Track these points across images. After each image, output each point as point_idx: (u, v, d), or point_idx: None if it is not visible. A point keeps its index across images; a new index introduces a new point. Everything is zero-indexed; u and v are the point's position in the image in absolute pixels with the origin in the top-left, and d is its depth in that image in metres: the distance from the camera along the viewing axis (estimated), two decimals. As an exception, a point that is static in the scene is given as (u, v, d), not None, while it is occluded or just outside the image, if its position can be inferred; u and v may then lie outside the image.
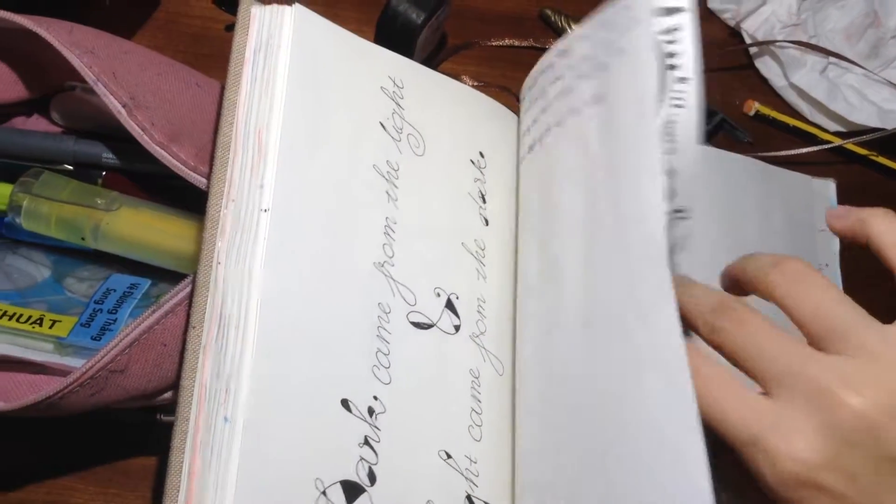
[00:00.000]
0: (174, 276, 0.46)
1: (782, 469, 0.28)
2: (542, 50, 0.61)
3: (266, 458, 0.35)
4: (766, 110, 0.62)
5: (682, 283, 0.34)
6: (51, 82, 0.50)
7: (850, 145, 0.61)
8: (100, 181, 0.48)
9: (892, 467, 0.28)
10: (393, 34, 0.51)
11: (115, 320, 0.44)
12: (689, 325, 0.33)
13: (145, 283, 0.47)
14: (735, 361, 0.31)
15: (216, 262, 0.38)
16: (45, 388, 0.39)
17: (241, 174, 0.39)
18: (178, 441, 0.35)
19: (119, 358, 0.39)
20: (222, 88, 0.49)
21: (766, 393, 0.30)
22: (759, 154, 0.59)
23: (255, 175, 0.39)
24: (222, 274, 0.37)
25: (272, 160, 0.39)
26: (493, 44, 0.60)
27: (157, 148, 0.43)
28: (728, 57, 0.63)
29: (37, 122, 0.52)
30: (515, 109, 0.51)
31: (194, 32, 0.59)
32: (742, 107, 0.62)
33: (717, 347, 0.32)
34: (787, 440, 0.28)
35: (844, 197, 0.60)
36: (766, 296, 0.32)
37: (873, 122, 0.59)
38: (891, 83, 0.61)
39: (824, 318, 0.30)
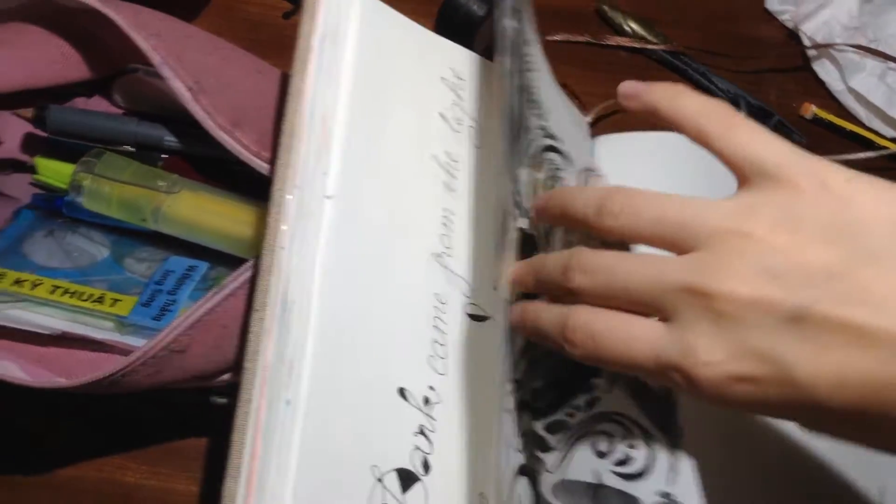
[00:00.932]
0: (232, 259, 0.46)
1: (699, 380, 0.29)
2: (598, 46, 0.61)
3: (326, 442, 0.36)
4: (823, 114, 0.61)
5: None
6: (114, 64, 0.51)
7: (908, 152, 0.61)
8: (160, 164, 0.49)
9: (790, 326, 0.28)
10: (454, 26, 0.51)
11: (174, 301, 0.44)
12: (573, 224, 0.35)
13: (203, 266, 0.47)
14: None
15: (279, 247, 0.38)
16: (105, 366, 0.39)
17: (305, 161, 0.39)
18: (241, 421, 0.36)
19: (181, 338, 0.40)
20: (283, 76, 0.49)
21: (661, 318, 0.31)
22: (815, 157, 0.59)
23: (320, 162, 0.39)
24: (285, 259, 0.38)
25: (337, 148, 0.39)
26: (549, 38, 0.60)
27: (221, 133, 0.43)
28: (785, 59, 0.63)
29: (97, 103, 0.53)
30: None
31: (253, 19, 0.59)
32: (799, 109, 0.62)
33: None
34: (690, 355, 0.29)
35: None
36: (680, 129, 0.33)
37: (932, 129, 0.59)
38: (950, 89, 0.61)
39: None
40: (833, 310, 0.27)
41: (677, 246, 0.31)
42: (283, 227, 0.38)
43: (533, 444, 0.41)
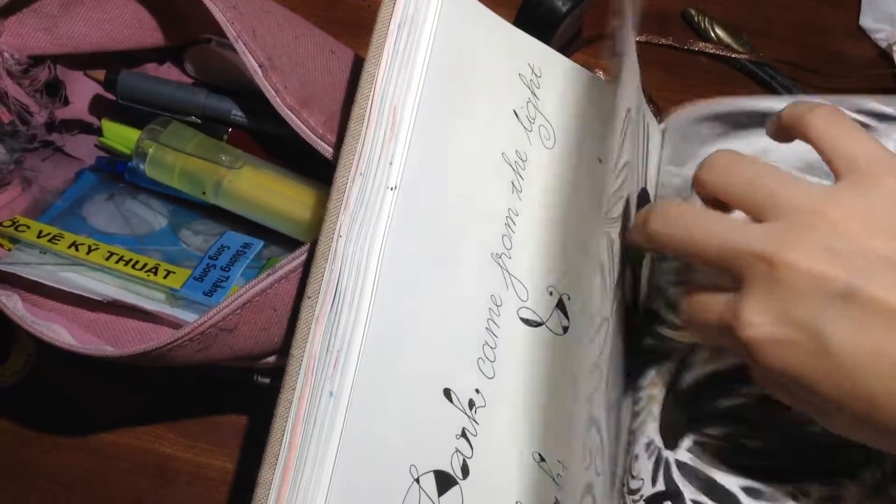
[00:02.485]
0: (287, 240, 0.46)
1: (743, 339, 0.32)
2: (681, 50, 0.59)
3: (366, 438, 0.35)
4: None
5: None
6: (188, 33, 0.51)
7: None
8: (225, 137, 0.49)
9: (837, 302, 0.30)
10: (535, 20, 0.50)
11: (227, 278, 0.44)
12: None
13: (258, 244, 0.47)
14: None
15: (337, 234, 0.37)
16: (154, 337, 0.39)
17: (371, 149, 0.38)
18: (283, 409, 0.35)
19: (230, 317, 0.40)
20: (355, 58, 0.49)
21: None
22: None
23: (386, 151, 0.38)
24: (342, 247, 0.37)
25: (404, 138, 0.38)
26: (631, 39, 0.58)
27: (288, 111, 0.43)
28: (875, 79, 0.61)
29: (168, 71, 0.53)
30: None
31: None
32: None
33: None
34: (741, 314, 0.32)
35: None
36: (802, 135, 0.35)
37: None
38: None
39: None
40: (882, 294, 0.29)
41: (760, 213, 0.33)
42: (343, 215, 0.38)
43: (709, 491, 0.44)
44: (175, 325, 0.43)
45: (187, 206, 0.49)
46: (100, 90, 0.51)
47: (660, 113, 0.56)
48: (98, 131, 0.51)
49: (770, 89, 0.59)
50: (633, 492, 0.45)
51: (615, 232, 0.43)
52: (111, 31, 0.49)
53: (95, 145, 0.52)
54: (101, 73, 0.50)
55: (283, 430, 0.35)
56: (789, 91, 0.58)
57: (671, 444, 0.45)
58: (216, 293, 0.43)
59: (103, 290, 0.43)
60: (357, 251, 0.37)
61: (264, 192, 0.46)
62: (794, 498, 0.44)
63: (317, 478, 0.34)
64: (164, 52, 0.53)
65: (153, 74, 0.53)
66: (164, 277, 0.43)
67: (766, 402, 0.44)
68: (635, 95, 0.46)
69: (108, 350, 0.40)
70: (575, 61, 0.55)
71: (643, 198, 0.49)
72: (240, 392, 0.48)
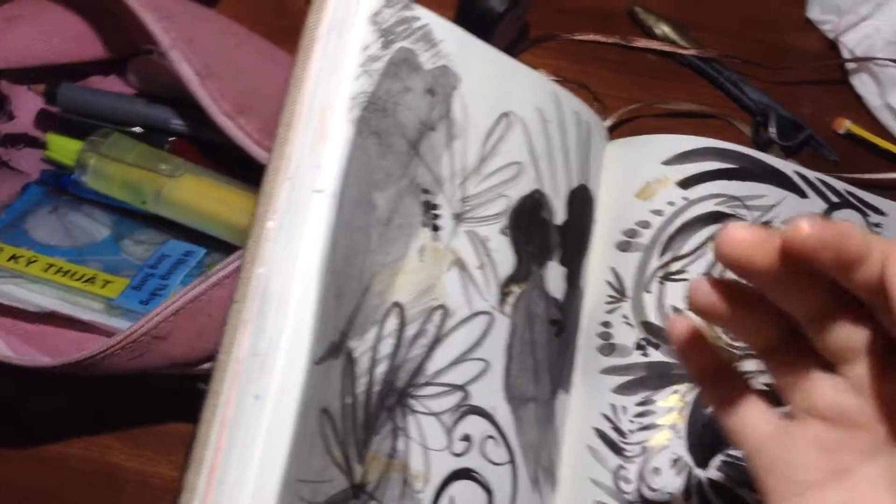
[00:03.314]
0: (230, 247, 0.46)
1: None
2: (628, 48, 0.59)
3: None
4: (857, 130, 0.59)
5: None
6: (130, 44, 0.51)
7: (947, 174, 0.58)
8: (167, 147, 0.49)
9: None
10: (472, 20, 0.50)
11: (165, 286, 0.44)
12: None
13: (200, 252, 0.47)
14: None
15: (265, 239, 0.37)
16: (88, 347, 0.39)
17: (300, 153, 0.38)
18: (208, 414, 0.36)
19: (162, 325, 0.40)
20: (295, 64, 0.49)
21: None
22: (847, 176, 0.56)
23: (314, 155, 0.38)
24: (270, 251, 0.37)
25: (332, 141, 0.38)
26: (576, 38, 0.58)
27: (224, 118, 0.43)
28: (823, 71, 0.61)
29: (113, 83, 0.53)
30: (592, 107, 0.50)
31: (275, 4, 0.59)
32: (832, 124, 0.60)
33: None
34: None
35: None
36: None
37: (971, 151, 0.56)
38: None
39: None
40: None
41: None
42: (270, 219, 0.38)
43: None
44: (111, 334, 0.43)
45: (132, 217, 0.49)
46: (45, 104, 0.51)
47: (605, 111, 0.56)
48: (44, 145, 0.51)
49: (716, 85, 0.59)
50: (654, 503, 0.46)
51: (489, 229, 0.44)
52: (54, 44, 0.50)
53: (41, 159, 0.52)
54: (42, 87, 0.50)
55: (209, 435, 0.35)
56: (736, 86, 0.58)
57: (702, 462, 0.46)
58: (153, 301, 0.43)
59: (41, 302, 0.43)
60: (284, 255, 0.37)
61: (204, 199, 0.46)
62: None
63: (241, 481, 0.34)
64: (109, 64, 0.53)
65: (98, 87, 0.53)
66: (102, 287, 0.43)
67: None
68: (524, 99, 0.47)
69: (45, 361, 0.40)
70: (521, 62, 0.56)
71: (578, 194, 0.49)
72: (184, 400, 0.47)
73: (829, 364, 0.29)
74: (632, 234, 0.51)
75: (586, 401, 0.49)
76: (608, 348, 0.49)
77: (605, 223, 0.52)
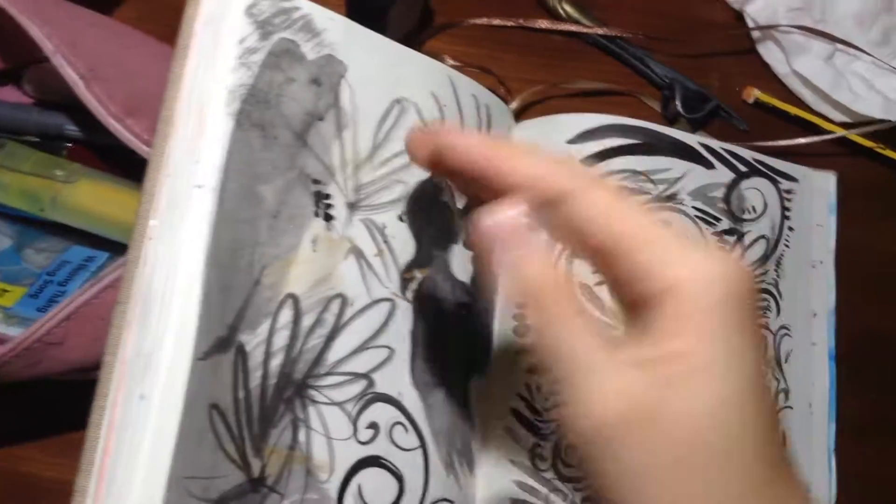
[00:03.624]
0: (130, 250, 0.46)
1: None
2: (532, 31, 0.60)
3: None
4: (766, 98, 0.59)
5: None
6: (22, 54, 0.50)
7: (853, 136, 0.58)
8: (64, 153, 0.48)
9: None
10: (363, 10, 0.50)
11: (63, 292, 0.44)
12: None
13: (102, 257, 0.47)
14: None
15: (147, 237, 0.37)
16: (-15, 357, 0.39)
17: (179, 149, 0.38)
18: (96, 417, 0.35)
19: (55, 331, 0.39)
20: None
21: None
22: (757, 144, 0.57)
23: (193, 150, 0.38)
24: (152, 250, 0.37)
25: (211, 135, 0.38)
26: (479, 23, 0.58)
27: (112, 121, 0.43)
28: (730, 41, 0.61)
29: (9, 93, 0.53)
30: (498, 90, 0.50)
31: (177, 5, 0.58)
32: (742, 93, 0.60)
33: None
34: None
35: (848, 191, 0.58)
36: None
37: (878, 113, 0.56)
38: (900, 72, 0.59)
39: None
40: None
41: None
42: (152, 218, 0.37)
43: None
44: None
45: (34, 226, 0.49)
46: (-58, 119, 0.51)
47: (510, 94, 0.56)
48: (-56, 159, 0.50)
49: (622, 62, 0.59)
50: (571, 480, 0.47)
51: (385, 216, 0.44)
52: (-55, 56, 0.49)
53: (-57, 173, 0.51)
54: (-66, 100, 0.49)
55: (98, 437, 0.35)
56: (642, 62, 0.59)
57: None
58: (50, 308, 0.43)
59: (-64, 314, 0.43)
60: (167, 252, 0.37)
61: (101, 203, 0.46)
62: None
63: (129, 482, 0.34)
64: (4, 74, 0.52)
65: (-6, 98, 0.52)
66: (-1, 297, 0.43)
67: None
68: (416, 85, 0.47)
69: (-61, 373, 0.40)
70: (425, 50, 0.56)
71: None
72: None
73: None
74: (541, 214, 0.51)
75: (504, 383, 0.49)
76: (523, 329, 0.49)
77: (516, 205, 0.52)
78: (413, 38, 0.56)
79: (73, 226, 0.46)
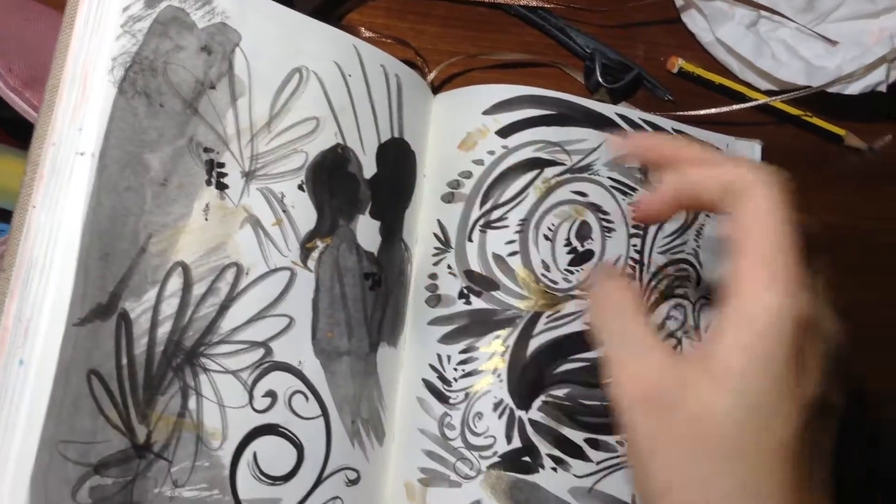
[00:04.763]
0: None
1: None
2: (454, 2, 0.60)
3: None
4: (689, 67, 0.60)
5: None
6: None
7: (779, 104, 0.59)
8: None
9: None
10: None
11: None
12: None
13: (7, 230, 0.47)
14: None
15: (31, 206, 0.38)
16: None
17: (63, 117, 0.39)
18: (-23, 385, 0.36)
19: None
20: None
21: None
22: (681, 114, 0.57)
23: (76, 118, 0.39)
24: (35, 218, 0.38)
25: (94, 102, 0.39)
26: (400, -5, 0.59)
27: (10, 93, 0.44)
28: (656, 11, 0.62)
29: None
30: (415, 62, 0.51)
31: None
32: (666, 63, 0.61)
33: None
34: None
35: (774, 160, 0.58)
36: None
37: (800, 80, 0.57)
38: (824, 38, 0.59)
39: None
40: None
41: None
42: (37, 186, 0.38)
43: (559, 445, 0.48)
44: None
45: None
46: None
47: (428, 66, 0.57)
48: None
49: (544, 32, 0.60)
50: (478, 448, 0.47)
51: (285, 185, 0.45)
52: None
53: None
54: None
55: (-23, 404, 0.36)
56: (563, 32, 0.59)
57: (522, 403, 0.48)
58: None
59: None
60: (48, 220, 0.38)
61: (3, 176, 0.46)
62: (622, 444, 0.49)
63: (8, 446, 0.35)
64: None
65: None
66: None
67: (596, 369, 0.49)
68: (318, 54, 0.48)
69: None
70: (346, 22, 0.56)
71: (391, 147, 0.50)
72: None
73: None
74: (455, 185, 0.52)
75: (416, 353, 0.50)
76: (434, 299, 0.50)
77: (432, 177, 0.53)
78: (328, 10, 0.56)
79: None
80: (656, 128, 0.55)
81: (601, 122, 0.53)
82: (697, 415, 0.31)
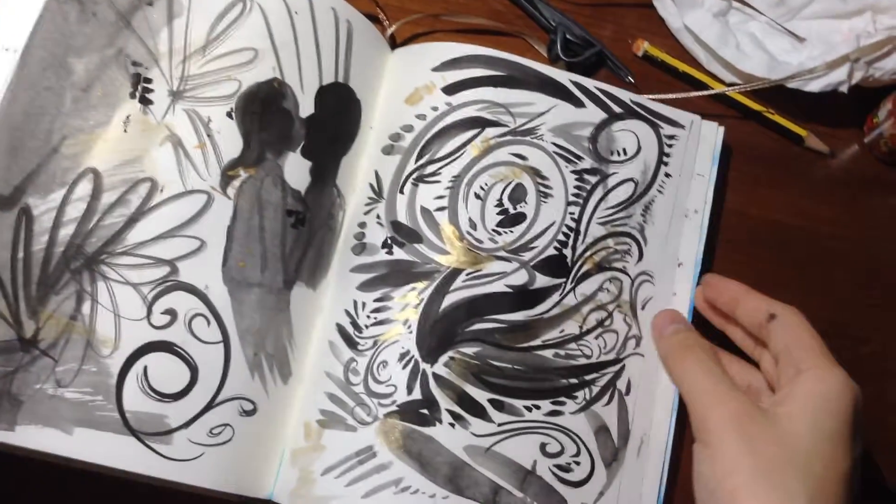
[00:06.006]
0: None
1: None
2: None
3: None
4: (654, 51, 0.61)
5: None
6: None
7: (741, 97, 0.60)
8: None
9: None
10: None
11: None
12: None
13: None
14: None
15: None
16: None
17: (-6, 13, 0.41)
18: None
19: None
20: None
21: None
22: (641, 97, 0.58)
23: (7, 14, 0.40)
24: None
25: (26, 2, 0.41)
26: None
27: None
28: (629, -7, 0.63)
29: None
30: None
31: None
32: (632, 46, 0.61)
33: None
34: None
35: (736, 155, 0.59)
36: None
37: (762, 73, 0.58)
38: (792, 34, 0.60)
39: None
40: None
41: None
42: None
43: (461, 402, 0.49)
44: None
45: None
46: None
47: (390, 20, 0.58)
48: None
49: (514, 2, 0.61)
50: (378, 395, 0.48)
51: (213, 111, 0.47)
52: None
53: None
54: None
55: None
56: (531, 3, 0.60)
57: (428, 357, 0.49)
58: None
59: None
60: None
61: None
62: (529, 410, 0.48)
63: None
64: None
65: None
66: None
67: (510, 331, 0.50)
68: None
69: None
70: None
71: (332, 91, 0.51)
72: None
73: None
74: (396, 137, 0.53)
75: (335, 298, 0.51)
76: (360, 247, 0.51)
77: (378, 129, 0.54)
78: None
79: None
80: (612, 98, 0.55)
81: (552, 88, 0.54)
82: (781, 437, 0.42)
